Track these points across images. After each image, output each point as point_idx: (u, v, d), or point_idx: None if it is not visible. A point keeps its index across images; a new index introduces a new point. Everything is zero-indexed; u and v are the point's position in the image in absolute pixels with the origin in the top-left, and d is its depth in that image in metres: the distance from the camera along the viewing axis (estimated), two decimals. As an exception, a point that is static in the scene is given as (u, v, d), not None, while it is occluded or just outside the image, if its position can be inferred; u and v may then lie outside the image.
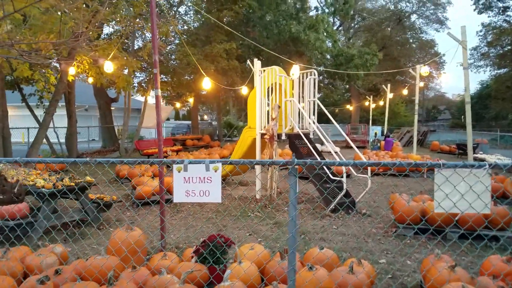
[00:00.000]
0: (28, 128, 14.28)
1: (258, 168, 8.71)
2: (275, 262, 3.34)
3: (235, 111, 37.36)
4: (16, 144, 9.90)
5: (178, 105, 21.86)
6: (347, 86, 30.64)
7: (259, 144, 7.48)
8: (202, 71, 8.01)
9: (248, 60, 9.71)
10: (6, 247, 3.84)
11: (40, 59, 6.31)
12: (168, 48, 16.82)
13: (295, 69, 6.98)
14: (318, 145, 13.24)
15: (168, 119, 35.89)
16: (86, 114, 31.49)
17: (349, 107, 31.46)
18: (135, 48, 14.21)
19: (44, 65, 8.43)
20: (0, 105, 8.26)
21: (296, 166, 2.48)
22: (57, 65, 10.20)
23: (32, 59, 5.98)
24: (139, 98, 26.70)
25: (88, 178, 6.02)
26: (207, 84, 8.10)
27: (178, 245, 4.94)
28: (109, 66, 7.31)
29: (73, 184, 5.79)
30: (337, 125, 7.32)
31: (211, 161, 2.61)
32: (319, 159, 6.94)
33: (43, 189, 5.46)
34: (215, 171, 2.61)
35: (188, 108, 27.01)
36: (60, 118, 16.26)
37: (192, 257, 3.60)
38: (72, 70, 8.95)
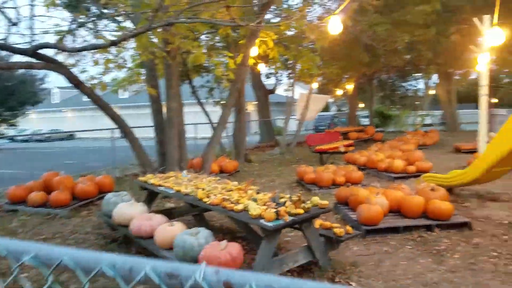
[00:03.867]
0: (195, 124, 13.54)
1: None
2: None
3: (378, 98, 32.28)
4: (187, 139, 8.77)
5: (339, 92, 19.16)
6: None
7: None
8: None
9: (475, 19, 6.41)
10: None
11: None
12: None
13: None
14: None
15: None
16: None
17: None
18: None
19: (221, 49, 6.79)
20: (177, 96, 7.09)
21: None
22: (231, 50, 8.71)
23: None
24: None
25: (319, 201, 3.84)
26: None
27: None
28: (335, 24, 5.00)
29: (301, 212, 3.67)
30: None
31: None
32: None
33: (262, 221, 3.48)
34: None
35: (346, 96, 23.97)
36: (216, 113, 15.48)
37: None
38: (254, 51, 7.16)
